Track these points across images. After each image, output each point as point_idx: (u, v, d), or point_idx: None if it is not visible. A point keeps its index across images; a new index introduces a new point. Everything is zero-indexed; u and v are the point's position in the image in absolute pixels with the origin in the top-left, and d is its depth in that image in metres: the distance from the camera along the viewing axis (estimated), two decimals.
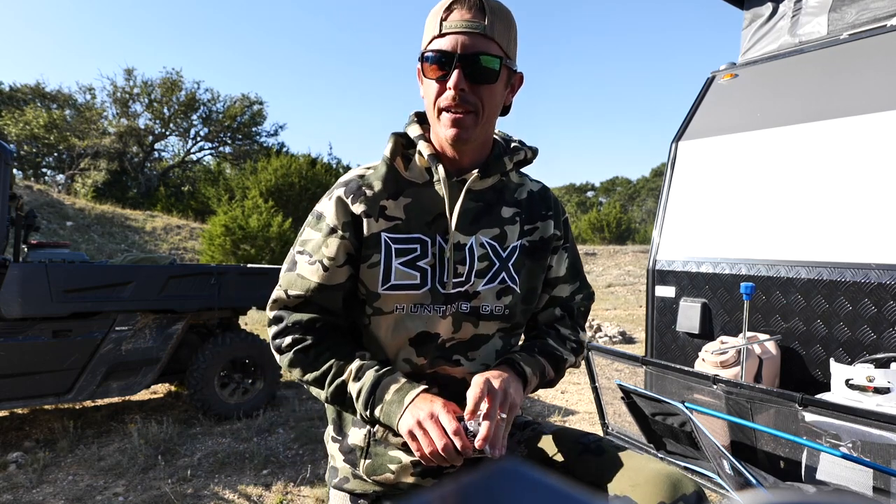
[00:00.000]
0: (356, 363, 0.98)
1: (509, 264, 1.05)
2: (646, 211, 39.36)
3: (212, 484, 2.99)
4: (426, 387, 0.95)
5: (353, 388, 0.96)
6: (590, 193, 48.65)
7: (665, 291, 2.54)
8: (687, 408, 1.71)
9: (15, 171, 4.12)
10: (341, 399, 0.99)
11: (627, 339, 7.57)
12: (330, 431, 1.12)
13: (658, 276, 2.56)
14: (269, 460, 3.29)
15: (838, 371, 1.80)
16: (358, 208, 1.02)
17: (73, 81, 43.52)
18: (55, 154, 21.99)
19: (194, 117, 23.96)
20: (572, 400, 4.65)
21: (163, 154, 25.02)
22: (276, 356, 1.05)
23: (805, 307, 2.09)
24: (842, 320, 1.99)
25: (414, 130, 1.06)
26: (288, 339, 1.02)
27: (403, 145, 1.07)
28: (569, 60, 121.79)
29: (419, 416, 0.88)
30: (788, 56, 2.55)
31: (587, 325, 8.05)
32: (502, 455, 0.87)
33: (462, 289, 1.01)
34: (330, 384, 0.98)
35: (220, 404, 4.00)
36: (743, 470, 1.65)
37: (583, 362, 2.18)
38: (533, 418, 1.16)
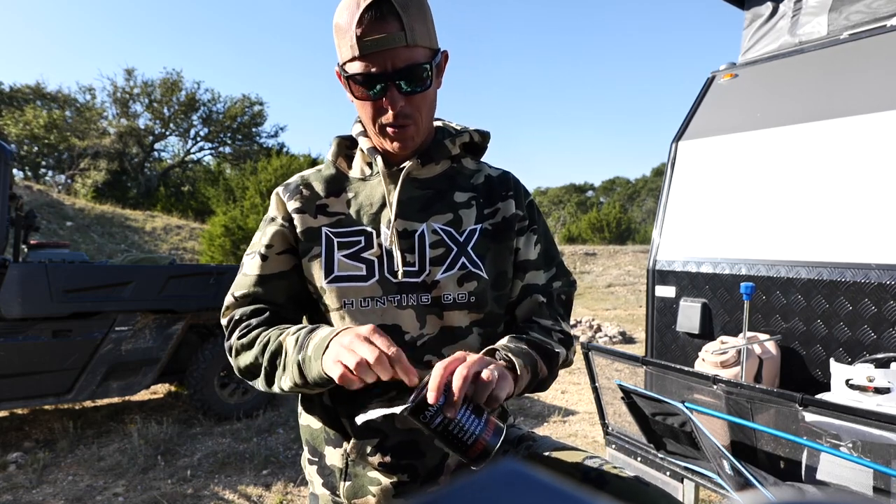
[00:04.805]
0: (300, 326, 0.92)
1: (468, 248, 1.00)
2: (646, 211, 39.35)
3: (212, 484, 2.99)
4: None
5: (290, 340, 0.89)
6: (590, 193, 48.65)
7: (665, 291, 2.54)
8: (687, 408, 1.71)
9: (15, 171, 4.12)
10: (278, 361, 0.91)
11: (627, 339, 7.57)
12: (306, 454, 1.07)
13: (658, 276, 2.56)
14: (269, 460, 3.29)
15: (838, 371, 1.80)
16: (291, 205, 1.02)
17: (73, 81, 43.61)
18: (55, 154, 21.97)
19: (194, 117, 23.96)
20: (572, 400, 4.65)
21: (163, 154, 25.05)
22: (231, 363, 0.99)
23: (805, 307, 2.09)
24: (842, 320, 1.99)
25: (355, 129, 1.06)
26: (235, 334, 0.98)
27: (347, 146, 1.08)
28: (569, 60, 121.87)
29: (344, 340, 0.80)
30: (788, 56, 2.55)
31: (589, 325, 8.13)
32: (448, 417, 0.76)
33: (418, 279, 0.97)
34: (269, 350, 0.91)
35: (220, 404, 4.00)
36: (743, 470, 1.65)
37: (581, 362, 2.19)
38: (529, 432, 1.09)
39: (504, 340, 0.96)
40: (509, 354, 0.89)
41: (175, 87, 23.00)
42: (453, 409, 0.75)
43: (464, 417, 0.76)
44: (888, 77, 2.10)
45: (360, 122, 1.06)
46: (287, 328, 0.93)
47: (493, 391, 0.78)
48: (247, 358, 0.95)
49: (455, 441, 0.76)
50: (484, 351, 0.91)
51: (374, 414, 0.80)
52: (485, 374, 0.78)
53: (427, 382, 0.77)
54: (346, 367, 0.77)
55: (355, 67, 0.90)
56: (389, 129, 0.95)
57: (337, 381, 0.79)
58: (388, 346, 0.78)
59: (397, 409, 0.78)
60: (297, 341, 0.88)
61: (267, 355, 0.91)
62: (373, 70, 0.89)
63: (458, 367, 0.78)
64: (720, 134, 2.52)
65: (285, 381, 0.89)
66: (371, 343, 0.78)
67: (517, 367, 0.87)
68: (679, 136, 2.67)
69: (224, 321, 1.02)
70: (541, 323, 1.05)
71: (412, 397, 0.77)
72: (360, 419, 0.81)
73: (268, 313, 0.98)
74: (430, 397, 0.75)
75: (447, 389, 0.76)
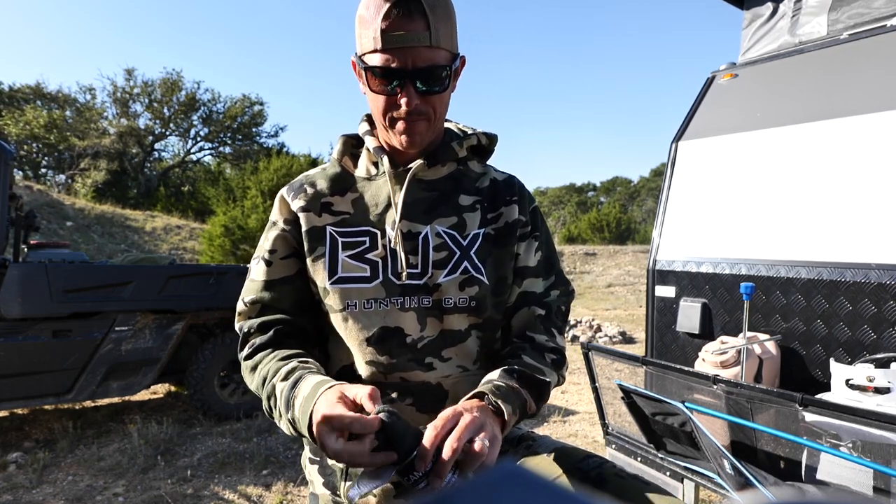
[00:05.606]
0: (291, 364, 0.92)
1: (471, 253, 0.99)
2: (646, 211, 39.36)
3: (212, 484, 2.99)
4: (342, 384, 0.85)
5: (279, 388, 0.89)
6: (590, 193, 48.65)
7: (665, 291, 2.54)
8: (687, 408, 1.71)
9: (15, 171, 4.12)
10: (272, 403, 0.91)
11: (627, 339, 7.57)
12: (307, 454, 1.07)
13: (658, 276, 2.56)
14: (269, 460, 3.29)
15: (838, 371, 1.80)
16: (296, 204, 1.02)
17: (73, 81, 43.58)
18: (55, 154, 21.96)
19: (194, 117, 23.94)
20: (572, 400, 4.66)
21: (163, 154, 25.02)
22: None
23: (805, 307, 2.09)
24: (842, 320, 1.99)
25: (362, 128, 1.06)
26: (244, 350, 0.99)
27: (353, 145, 1.08)
28: (569, 60, 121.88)
29: (317, 417, 0.79)
30: (788, 56, 2.55)
31: (589, 325, 8.13)
32: (433, 485, 0.75)
33: (420, 281, 0.97)
34: (265, 389, 0.92)
35: (220, 404, 4.00)
36: (743, 470, 1.65)
37: (581, 362, 2.19)
38: (528, 431, 1.08)
39: (495, 376, 0.93)
40: (498, 401, 0.86)
41: (175, 87, 22.99)
42: (440, 480, 0.74)
43: (449, 483, 0.75)
44: (888, 77, 2.10)
45: (367, 120, 1.06)
46: (283, 363, 0.92)
47: (483, 461, 0.77)
48: (251, 383, 0.98)
49: None
50: (472, 393, 0.89)
51: (365, 487, 0.77)
52: (477, 446, 0.77)
53: (416, 443, 0.76)
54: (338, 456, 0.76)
55: (375, 60, 0.90)
56: (400, 123, 0.95)
57: None
58: (334, 436, 0.75)
59: (385, 480, 0.75)
60: (282, 394, 0.87)
61: (264, 394, 0.92)
62: (393, 65, 0.89)
63: (449, 438, 0.76)
64: (720, 134, 2.52)
65: (285, 427, 0.90)
66: (326, 438, 0.76)
67: (506, 414, 0.86)
68: (679, 137, 2.67)
69: (237, 327, 1.03)
70: (535, 340, 1.03)
71: (399, 458, 0.75)
72: (352, 494, 0.78)
73: (272, 331, 0.98)
74: (419, 465, 0.74)
75: (436, 456, 0.75)
